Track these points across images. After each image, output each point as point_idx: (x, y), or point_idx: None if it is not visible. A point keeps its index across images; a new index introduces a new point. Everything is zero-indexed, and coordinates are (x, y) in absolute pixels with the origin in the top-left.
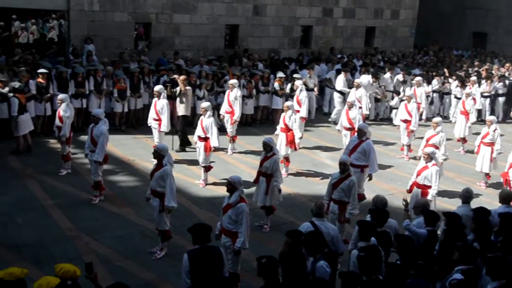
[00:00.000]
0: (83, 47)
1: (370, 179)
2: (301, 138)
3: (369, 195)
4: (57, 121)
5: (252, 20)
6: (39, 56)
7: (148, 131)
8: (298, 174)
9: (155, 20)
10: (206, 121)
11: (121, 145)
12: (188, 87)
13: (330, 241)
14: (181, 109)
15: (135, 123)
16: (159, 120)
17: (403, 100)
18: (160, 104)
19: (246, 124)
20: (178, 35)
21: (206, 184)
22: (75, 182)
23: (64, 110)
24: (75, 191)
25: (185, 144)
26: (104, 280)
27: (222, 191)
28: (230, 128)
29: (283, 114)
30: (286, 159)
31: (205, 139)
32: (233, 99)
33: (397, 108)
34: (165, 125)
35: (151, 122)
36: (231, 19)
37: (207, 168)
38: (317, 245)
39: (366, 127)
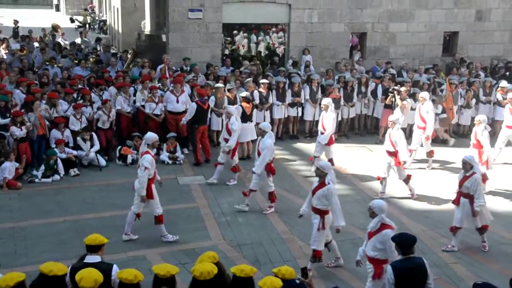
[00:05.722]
0: (300, 57)
1: None
2: None
3: None
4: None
5: (473, 26)
6: (261, 67)
7: (358, 140)
8: None
9: (371, 29)
10: (395, 134)
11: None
12: (406, 101)
13: None
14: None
15: (347, 132)
16: None
17: None
18: None
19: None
20: (393, 44)
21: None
22: (288, 187)
23: (232, 122)
24: (290, 196)
25: None
26: (317, 284)
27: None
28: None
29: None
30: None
31: (394, 154)
32: (425, 112)
33: None
34: None
35: None
36: (450, 26)
37: (407, 179)
38: None
39: None
